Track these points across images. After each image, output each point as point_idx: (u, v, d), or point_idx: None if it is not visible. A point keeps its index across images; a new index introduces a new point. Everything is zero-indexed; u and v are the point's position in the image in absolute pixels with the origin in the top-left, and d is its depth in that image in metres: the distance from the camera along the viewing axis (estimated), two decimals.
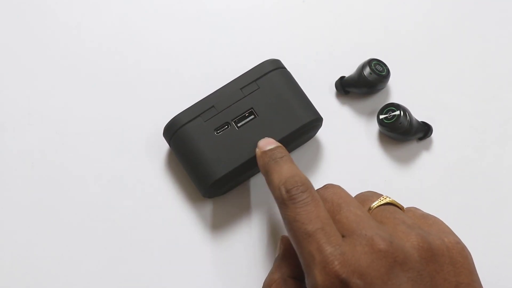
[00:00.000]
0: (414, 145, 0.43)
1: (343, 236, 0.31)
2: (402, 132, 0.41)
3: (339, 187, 0.35)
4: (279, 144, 0.37)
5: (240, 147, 0.38)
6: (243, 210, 0.41)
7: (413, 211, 0.35)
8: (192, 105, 0.40)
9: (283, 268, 0.36)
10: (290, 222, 0.32)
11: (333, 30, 0.46)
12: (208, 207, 0.41)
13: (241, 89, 0.40)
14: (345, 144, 0.43)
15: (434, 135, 0.43)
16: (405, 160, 0.43)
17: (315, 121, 0.40)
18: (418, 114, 0.43)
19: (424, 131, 0.42)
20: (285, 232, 0.40)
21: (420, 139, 0.43)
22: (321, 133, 0.43)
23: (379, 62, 0.43)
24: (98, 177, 0.42)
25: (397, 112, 0.41)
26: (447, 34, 0.47)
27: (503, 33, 0.47)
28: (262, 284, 0.39)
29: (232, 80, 0.40)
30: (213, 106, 0.39)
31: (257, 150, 0.37)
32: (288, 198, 0.33)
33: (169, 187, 0.42)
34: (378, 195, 0.35)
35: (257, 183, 0.42)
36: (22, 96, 0.44)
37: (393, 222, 0.33)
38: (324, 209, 0.32)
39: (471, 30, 0.47)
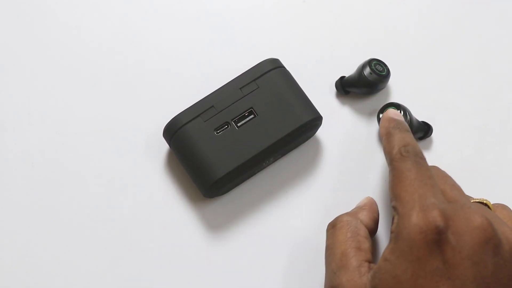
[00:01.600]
0: None
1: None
2: None
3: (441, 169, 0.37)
4: (403, 119, 0.39)
5: (240, 146, 0.38)
6: (243, 210, 0.41)
7: (506, 213, 0.36)
8: (192, 105, 0.40)
9: (359, 215, 0.37)
10: (402, 170, 0.33)
11: (333, 30, 0.46)
12: (209, 207, 0.41)
13: (240, 88, 0.40)
14: (345, 144, 0.43)
15: (434, 135, 0.43)
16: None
17: (315, 120, 0.40)
18: (418, 114, 0.43)
19: (424, 131, 0.42)
20: (283, 230, 0.40)
21: (420, 139, 0.43)
22: (321, 133, 0.43)
23: (379, 62, 0.43)
24: (98, 177, 0.42)
25: None
26: (447, 34, 0.47)
27: (503, 33, 0.47)
28: (262, 284, 0.39)
29: (232, 80, 0.40)
30: (212, 106, 0.39)
31: (384, 114, 0.40)
32: (407, 156, 0.34)
33: (169, 187, 0.42)
34: (470, 198, 0.36)
35: (258, 183, 0.42)
36: (22, 96, 0.44)
37: (490, 213, 0.33)
38: (435, 180, 0.33)
39: (471, 30, 0.47)
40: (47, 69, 0.44)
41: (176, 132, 0.39)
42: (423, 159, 0.35)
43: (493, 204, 0.36)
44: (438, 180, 0.34)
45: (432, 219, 0.30)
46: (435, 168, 0.37)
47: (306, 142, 0.43)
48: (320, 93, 0.44)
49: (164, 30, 0.46)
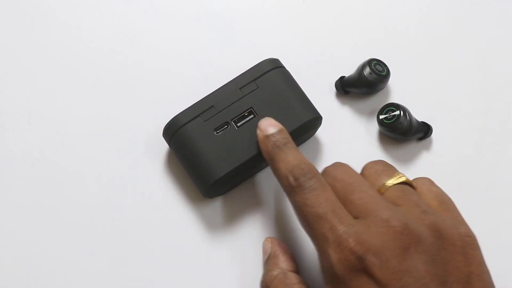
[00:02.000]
0: (414, 145, 0.43)
1: (356, 218, 0.32)
2: (402, 132, 0.41)
3: (348, 166, 0.35)
4: (280, 126, 0.37)
5: (240, 146, 0.38)
6: (243, 210, 0.41)
7: (427, 188, 0.35)
8: (192, 105, 0.40)
9: (279, 264, 0.36)
10: (300, 207, 0.33)
11: (333, 30, 0.46)
12: (208, 207, 0.41)
13: (240, 88, 0.40)
14: (345, 144, 0.43)
15: (434, 135, 0.43)
16: (405, 160, 0.43)
17: (315, 119, 0.40)
18: (418, 114, 0.43)
19: (424, 131, 0.42)
20: (283, 230, 0.40)
21: (420, 139, 0.43)
22: (321, 133, 0.43)
23: (379, 62, 0.43)
24: (98, 177, 0.42)
25: (397, 112, 0.41)
26: (447, 34, 0.47)
27: (503, 33, 0.47)
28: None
29: (231, 80, 0.40)
30: (212, 106, 0.39)
31: (258, 132, 0.37)
32: (297, 185, 0.33)
33: (169, 187, 0.42)
34: (391, 171, 0.35)
35: (257, 182, 0.42)
36: (22, 96, 0.44)
37: (407, 204, 0.33)
38: (332, 193, 0.33)
39: (471, 30, 0.47)
40: (47, 69, 0.45)
41: (176, 132, 0.39)
42: (315, 175, 0.33)
43: (414, 180, 0.35)
44: (345, 189, 0.33)
45: (349, 251, 0.30)
46: (339, 168, 0.35)
47: (306, 142, 0.43)
48: (320, 93, 0.44)
49: (164, 30, 0.46)
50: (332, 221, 0.31)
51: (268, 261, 0.37)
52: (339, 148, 0.43)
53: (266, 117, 0.38)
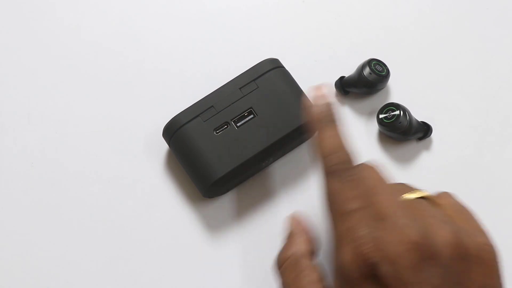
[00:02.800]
0: (414, 145, 0.43)
1: (377, 220, 0.31)
2: (402, 132, 0.41)
3: (376, 168, 0.35)
4: (330, 99, 0.36)
5: (240, 146, 0.38)
6: (243, 210, 0.41)
7: (448, 201, 0.35)
8: (192, 105, 0.40)
9: (295, 245, 0.36)
10: (331, 194, 0.33)
11: (333, 30, 0.46)
12: (208, 207, 0.41)
13: (240, 88, 0.40)
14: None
15: (434, 135, 0.43)
16: (405, 160, 0.43)
17: None
18: (418, 114, 0.43)
19: (423, 131, 0.42)
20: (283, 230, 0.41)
21: (420, 139, 0.43)
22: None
23: (379, 62, 0.43)
24: (98, 177, 0.42)
25: (397, 112, 0.41)
26: (447, 34, 0.47)
27: (503, 33, 0.47)
28: (262, 284, 0.39)
29: (231, 80, 0.40)
30: (212, 106, 0.39)
31: (307, 99, 0.38)
32: (335, 170, 0.33)
33: (169, 187, 0.42)
34: (412, 189, 0.35)
35: (257, 182, 0.42)
36: (22, 96, 0.44)
37: (427, 215, 0.32)
38: (363, 189, 0.33)
39: (471, 30, 0.47)
40: (47, 69, 0.45)
41: (175, 132, 0.39)
42: (354, 168, 0.33)
43: (434, 194, 0.35)
44: (370, 191, 0.33)
45: (364, 256, 0.30)
46: (366, 170, 0.34)
47: (306, 142, 0.43)
48: None
49: (164, 29, 0.46)
50: (356, 220, 0.31)
51: (286, 240, 0.37)
52: None
53: (318, 85, 0.37)
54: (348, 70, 0.44)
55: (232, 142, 0.39)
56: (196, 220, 0.41)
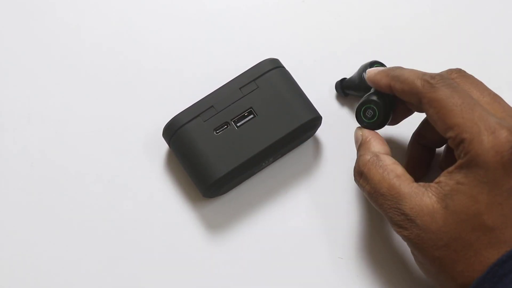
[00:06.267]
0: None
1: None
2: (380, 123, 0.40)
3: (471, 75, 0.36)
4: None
5: (240, 146, 0.38)
6: (243, 210, 0.41)
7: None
8: (192, 105, 0.40)
9: (372, 147, 0.36)
10: (443, 99, 0.33)
11: (333, 30, 0.46)
12: (208, 207, 0.41)
13: (240, 88, 0.40)
14: (345, 144, 0.43)
15: None
16: (404, 160, 0.43)
17: (314, 119, 0.40)
18: (418, 114, 0.43)
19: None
20: (283, 229, 0.40)
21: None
22: (320, 133, 0.43)
23: (381, 65, 0.42)
24: (98, 177, 0.42)
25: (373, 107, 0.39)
26: (446, 34, 0.46)
27: (503, 32, 0.47)
28: (261, 284, 0.39)
29: (231, 80, 0.40)
30: (212, 106, 0.39)
31: (367, 74, 0.39)
32: (436, 81, 0.33)
33: (169, 187, 0.42)
34: None
35: (257, 183, 0.42)
36: (22, 96, 0.44)
37: None
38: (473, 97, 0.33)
39: (471, 30, 0.47)
40: (47, 69, 0.45)
41: (175, 132, 0.39)
42: (451, 80, 0.34)
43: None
44: (478, 96, 0.34)
45: (504, 140, 0.30)
46: (466, 78, 0.35)
47: (306, 142, 0.43)
48: (320, 93, 0.44)
49: (164, 29, 0.46)
50: (482, 112, 0.31)
51: (360, 147, 0.37)
52: (339, 148, 0.43)
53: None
54: (348, 70, 0.44)
55: (232, 142, 0.39)
56: (196, 220, 0.41)
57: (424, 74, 0.34)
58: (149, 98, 0.44)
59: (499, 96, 0.35)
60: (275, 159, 0.41)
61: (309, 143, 0.43)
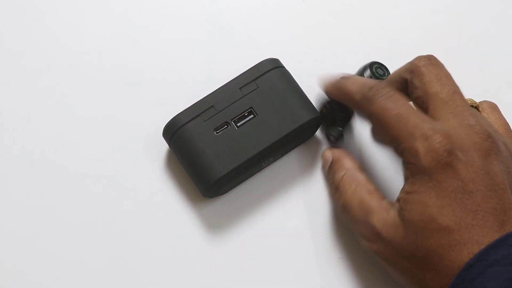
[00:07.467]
0: None
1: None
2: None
3: (440, 64, 0.36)
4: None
5: (240, 146, 0.38)
6: (243, 210, 0.41)
7: (492, 113, 0.37)
8: (192, 105, 0.40)
9: (345, 164, 0.38)
10: (379, 113, 0.34)
11: (333, 30, 0.46)
12: (208, 207, 0.41)
13: (240, 88, 0.40)
14: (345, 144, 0.43)
15: None
16: None
17: (315, 119, 0.40)
18: None
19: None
20: (283, 229, 0.40)
21: None
22: (320, 133, 0.43)
23: (381, 66, 0.42)
24: (98, 177, 0.42)
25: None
26: (446, 34, 0.47)
27: (503, 32, 0.47)
28: (262, 284, 0.39)
29: (231, 80, 0.40)
30: (212, 106, 0.39)
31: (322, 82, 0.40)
32: (373, 94, 0.34)
33: (169, 187, 0.42)
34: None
35: (257, 183, 0.42)
36: (22, 96, 0.44)
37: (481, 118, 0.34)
38: (407, 101, 0.34)
39: (471, 30, 0.47)
40: (47, 69, 0.45)
41: (175, 132, 0.39)
42: (388, 85, 0.35)
43: (480, 103, 0.38)
44: (437, 90, 0.34)
45: (438, 144, 0.31)
46: (433, 67, 0.36)
47: (306, 142, 0.43)
48: (320, 93, 0.44)
49: (164, 29, 0.46)
50: (416, 120, 0.32)
51: (332, 166, 0.39)
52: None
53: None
54: (348, 70, 0.44)
55: (232, 142, 0.39)
56: (196, 220, 0.41)
57: (364, 85, 0.35)
58: (149, 98, 0.44)
59: (459, 92, 0.35)
60: (275, 159, 0.41)
61: (309, 143, 0.43)
